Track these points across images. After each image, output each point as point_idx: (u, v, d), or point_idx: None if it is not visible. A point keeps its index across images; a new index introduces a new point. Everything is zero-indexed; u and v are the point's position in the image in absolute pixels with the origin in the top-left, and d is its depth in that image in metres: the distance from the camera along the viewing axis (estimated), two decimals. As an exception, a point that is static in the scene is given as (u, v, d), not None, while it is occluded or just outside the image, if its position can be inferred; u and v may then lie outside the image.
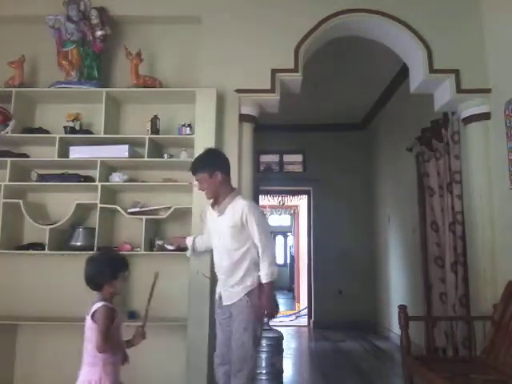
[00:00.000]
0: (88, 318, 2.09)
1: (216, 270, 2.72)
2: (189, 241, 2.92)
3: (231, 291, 2.58)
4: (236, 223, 2.55)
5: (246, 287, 2.55)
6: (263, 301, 2.52)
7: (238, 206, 2.58)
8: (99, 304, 2.07)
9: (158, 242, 3.18)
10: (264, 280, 2.52)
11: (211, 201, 2.73)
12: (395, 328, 5.11)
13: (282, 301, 11.07)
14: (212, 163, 2.65)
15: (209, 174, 2.60)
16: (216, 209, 2.67)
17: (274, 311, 2.64)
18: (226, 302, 2.62)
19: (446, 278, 3.84)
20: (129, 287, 3.35)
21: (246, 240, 2.57)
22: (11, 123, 3.28)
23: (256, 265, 2.57)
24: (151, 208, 3.29)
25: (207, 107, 3.29)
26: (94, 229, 3.21)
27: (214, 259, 2.72)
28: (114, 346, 2.07)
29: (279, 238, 15.10)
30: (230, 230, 2.57)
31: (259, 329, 2.59)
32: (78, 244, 3.25)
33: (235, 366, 2.48)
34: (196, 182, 2.70)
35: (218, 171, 2.61)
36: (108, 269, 2.14)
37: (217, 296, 2.70)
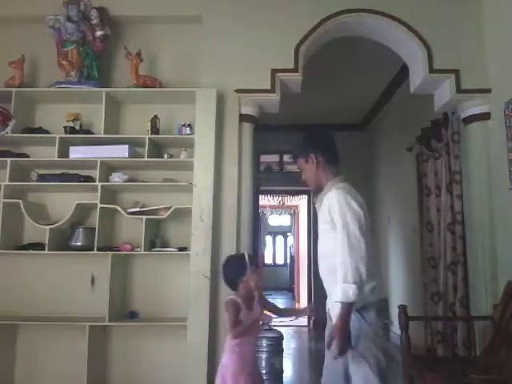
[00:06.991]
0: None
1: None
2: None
3: (336, 306, 1.97)
4: (325, 219, 2.07)
5: None
6: (333, 330, 1.92)
7: (328, 196, 2.07)
8: (229, 297, 2.33)
9: None
10: (334, 299, 1.93)
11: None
12: (395, 328, 5.10)
13: (281, 301, 11.05)
14: (305, 145, 2.22)
15: (304, 159, 2.20)
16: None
17: (342, 348, 1.87)
18: (334, 320, 1.99)
19: (438, 278, 3.81)
20: (129, 287, 3.36)
21: None
22: (11, 123, 3.27)
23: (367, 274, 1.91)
24: (151, 208, 3.29)
25: (207, 107, 3.29)
26: (94, 229, 3.21)
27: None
28: (245, 332, 2.26)
29: (279, 238, 15.12)
30: (321, 228, 2.14)
31: (381, 355, 1.95)
32: (78, 244, 3.25)
33: None
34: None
35: (311, 153, 2.17)
36: (232, 269, 2.40)
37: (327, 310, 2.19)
